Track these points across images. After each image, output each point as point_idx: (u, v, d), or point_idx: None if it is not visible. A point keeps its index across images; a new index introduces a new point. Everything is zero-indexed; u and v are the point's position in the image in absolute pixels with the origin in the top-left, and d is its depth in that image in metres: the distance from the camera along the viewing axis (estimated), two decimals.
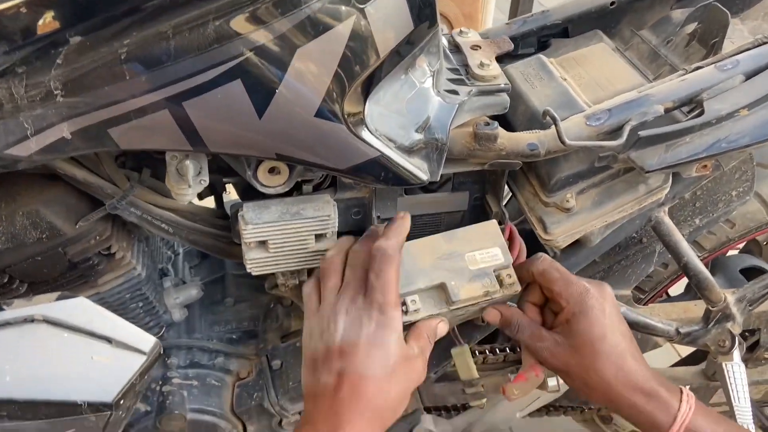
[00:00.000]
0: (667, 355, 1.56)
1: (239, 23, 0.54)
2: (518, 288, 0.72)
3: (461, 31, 0.82)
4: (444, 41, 0.80)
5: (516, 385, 0.77)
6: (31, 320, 0.64)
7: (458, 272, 0.71)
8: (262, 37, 0.55)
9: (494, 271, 0.72)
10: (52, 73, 0.49)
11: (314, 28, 0.57)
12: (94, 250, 0.76)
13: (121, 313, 0.82)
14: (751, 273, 1.23)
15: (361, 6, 0.59)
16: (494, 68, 0.76)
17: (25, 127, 0.52)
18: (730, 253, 1.22)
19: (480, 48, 0.80)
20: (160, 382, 0.87)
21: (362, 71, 0.61)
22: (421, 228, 0.88)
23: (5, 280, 0.75)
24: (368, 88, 0.64)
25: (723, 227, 1.00)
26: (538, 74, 0.85)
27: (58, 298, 0.66)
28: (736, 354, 0.89)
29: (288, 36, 0.56)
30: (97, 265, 0.78)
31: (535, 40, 0.92)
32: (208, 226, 0.80)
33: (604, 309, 0.67)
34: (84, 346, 0.66)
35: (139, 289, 0.83)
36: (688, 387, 0.67)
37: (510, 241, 0.92)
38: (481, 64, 0.76)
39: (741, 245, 1.16)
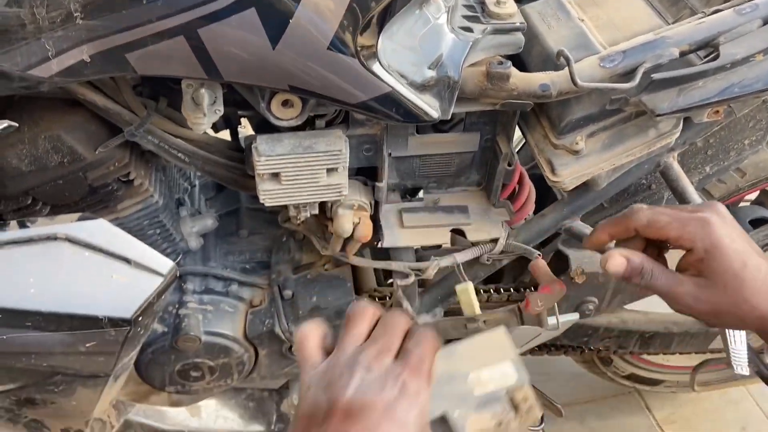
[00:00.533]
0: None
1: None
2: (537, 414, 0.58)
3: None
4: None
5: (540, 296, 0.77)
6: (54, 238, 0.67)
7: (462, 399, 0.56)
8: None
9: (506, 394, 0.57)
10: None
11: None
12: (113, 176, 0.79)
13: (139, 238, 0.85)
14: (760, 224, 1.23)
15: None
16: (510, 6, 0.75)
17: (47, 48, 0.53)
18: (742, 204, 1.22)
19: None
20: (177, 306, 0.91)
21: (377, 4, 0.62)
22: (432, 167, 0.89)
23: (29, 202, 0.78)
24: (382, 22, 0.64)
25: (733, 176, 1.00)
26: (555, 14, 0.84)
27: (80, 219, 0.69)
28: None
29: None
30: (116, 190, 0.80)
31: None
32: (222, 157, 0.82)
33: (731, 234, 0.60)
34: (104, 266, 0.69)
35: (156, 216, 0.86)
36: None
37: (519, 183, 0.93)
38: (498, 2, 0.75)
39: (753, 195, 1.16)
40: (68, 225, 0.68)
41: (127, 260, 0.70)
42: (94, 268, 0.69)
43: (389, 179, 0.88)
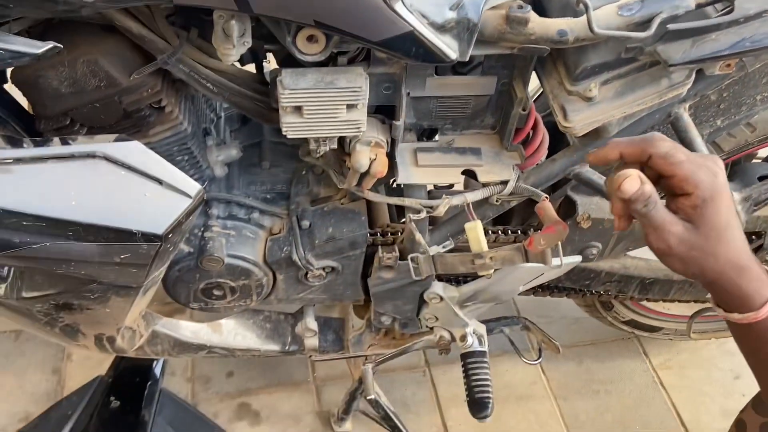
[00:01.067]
0: None
1: None
2: None
3: None
4: None
5: (544, 235, 0.82)
6: (93, 156, 0.72)
7: None
8: None
9: None
10: None
11: None
12: (146, 102, 0.83)
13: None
14: None
15: None
16: None
17: None
18: (754, 161, 1.24)
19: None
20: (202, 229, 0.97)
21: None
22: (449, 109, 0.93)
23: (67, 122, 0.83)
24: None
25: (744, 130, 1.02)
26: None
27: (116, 140, 0.74)
28: None
29: None
30: (148, 116, 0.85)
31: None
32: (249, 89, 0.86)
33: (728, 194, 0.64)
34: (138, 184, 0.74)
35: (185, 143, 0.90)
36: None
37: (533, 129, 0.97)
38: None
39: (765, 150, 1.18)
40: (106, 144, 0.72)
41: (159, 180, 0.75)
42: (128, 185, 0.74)
43: (406, 119, 0.91)
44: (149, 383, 1.33)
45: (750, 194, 0.92)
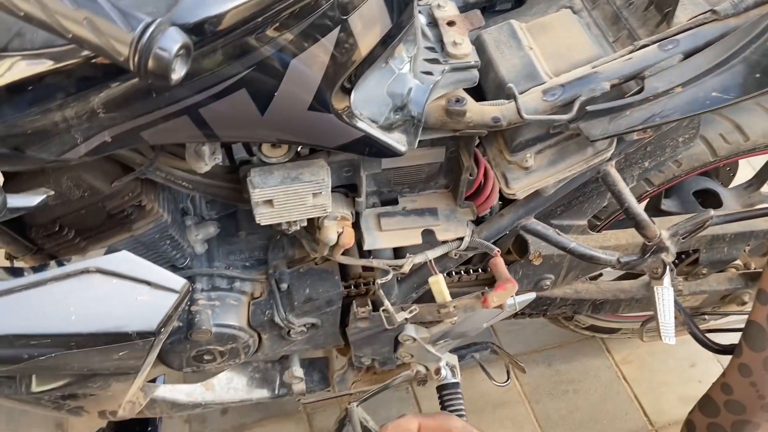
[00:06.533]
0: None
1: (240, 47, 0.65)
2: None
3: (439, 5, 0.91)
4: (422, 18, 0.89)
5: (496, 293, 0.94)
6: (87, 271, 0.80)
7: None
8: (260, 54, 0.66)
9: None
10: (95, 100, 0.61)
11: (304, 42, 0.68)
12: (127, 204, 0.91)
13: (152, 251, 0.98)
14: (704, 194, 1.38)
15: (344, 17, 0.69)
16: (466, 46, 0.86)
17: (76, 137, 0.65)
18: None
19: (455, 24, 0.89)
20: (189, 303, 1.05)
21: (347, 71, 0.73)
22: (405, 177, 1.02)
23: (56, 228, 0.91)
24: (353, 81, 0.75)
25: (670, 166, 1.13)
26: (508, 41, 0.94)
27: (107, 252, 0.82)
28: (667, 279, 1.06)
29: (281, 52, 0.67)
30: (130, 215, 0.93)
31: None
32: (221, 181, 0.94)
33: None
34: (129, 289, 0.83)
35: (166, 231, 0.98)
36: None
37: (485, 178, 1.06)
38: (455, 43, 0.86)
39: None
40: (98, 259, 0.80)
41: (148, 283, 0.84)
42: (121, 292, 0.82)
43: (367, 188, 1.00)
44: (149, 429, 1.42)
45: (677, 231, 1.03)
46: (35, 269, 0.77)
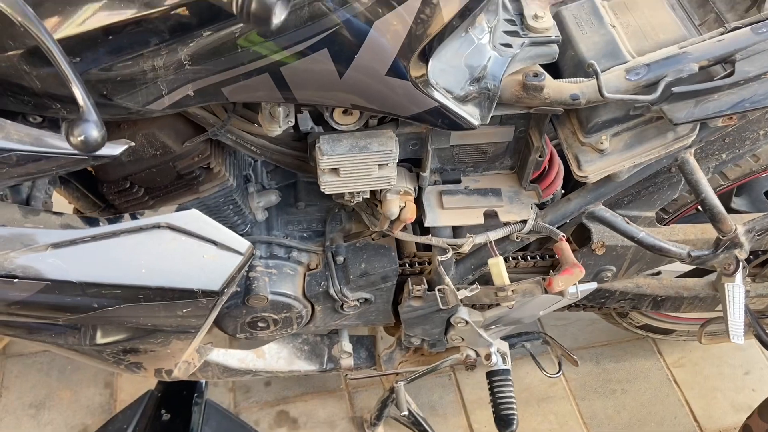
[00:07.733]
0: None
1: (326, 6, 0.64)
2: None
3: None
4: None
5: (562, 277, 0.91)
6: (158, 226, 0.81)
7: None
8: (343, 15, 0.65)
9: None
10: (184, 51, 0.62)
11: (386, 6, 0.67)
12: (196, 165, 0.92)
13: (216, 214, 0.99)
14: None
15: None
16: (547, 20, 0.84)
17: (161, 89, 0.65)
18: None
19: None
20: (247, 269, 1.06)
21: (426, 38, 0.71)
22: (470, 155, 1.00)
23: (127, 186, 0.92)
24: (432, 48, 0.74)
25: (748, 160, 1.09)
26: (590, 19, 0.91)
27: (177, 209, 0.83)
28: (739, 276, 1.01)
29: (365, 14, 0.66)
30: (198, 176, 0.94)
31: None
32: (288, 147, 0.95)
33: None
34: (197, 247, 0.84)
35: (230, 195, 0.99)
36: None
37: (549, 162, 1.04)
38: (536, 16, 0.84)
39: None
40: (168, 215, 0.82)
41: (215, 242, 0.84)
42: (189, 249, 0.83)
43: (431, 164, 0.99)
44: (195, 395, 1.44)
45: (753, 226, 0.98)
46: (110, 220, 0.78)
